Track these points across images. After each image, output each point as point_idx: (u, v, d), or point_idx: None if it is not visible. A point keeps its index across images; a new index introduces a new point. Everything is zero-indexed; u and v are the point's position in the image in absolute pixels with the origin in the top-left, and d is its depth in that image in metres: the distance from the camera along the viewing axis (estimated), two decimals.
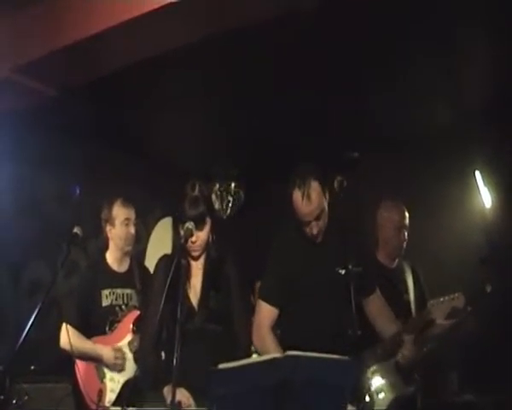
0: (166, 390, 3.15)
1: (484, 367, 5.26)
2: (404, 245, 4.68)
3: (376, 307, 3.86)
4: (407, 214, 4.72)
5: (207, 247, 3.52)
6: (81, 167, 6.16)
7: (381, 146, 6.08)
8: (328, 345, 3.13)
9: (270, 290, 3.77)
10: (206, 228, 3.46)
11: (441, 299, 3.59)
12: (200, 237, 3.44)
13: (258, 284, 5.56)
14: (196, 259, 3.53)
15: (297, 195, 3.59)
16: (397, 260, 4.71)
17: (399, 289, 4.54)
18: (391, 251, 4.66)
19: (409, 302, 4.53)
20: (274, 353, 3.37)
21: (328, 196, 3.67)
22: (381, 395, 3.76)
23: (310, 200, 3.55)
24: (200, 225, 3.40)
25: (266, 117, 5.88)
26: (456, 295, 3.61)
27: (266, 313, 3.75)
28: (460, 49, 4.88)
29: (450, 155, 6.05)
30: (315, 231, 3.63)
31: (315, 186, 3.57)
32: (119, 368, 4.17)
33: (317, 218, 3.61)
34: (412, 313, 4.45)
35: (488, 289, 3.86)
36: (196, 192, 3.45)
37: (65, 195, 6.07)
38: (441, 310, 3.58)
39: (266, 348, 3.64)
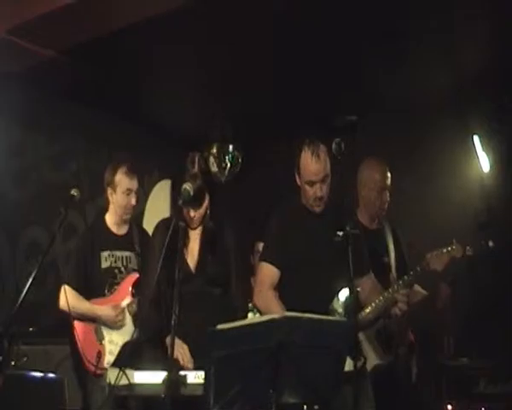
0: (168, 340, 3.16)
1: (480, 331, 5.31)
2: (386, 206, 4.58)
3: (368, 288, 3.83)
4: (389, 174, 4.60)
5: (205, 218, 3.56)
6: (77, 131, 6.14)
7: (378, 111, 6.05)
8: (326, 313, 3.17)
9: (272, 253, 3.81)
10: (205, 204, 3.49)
11: (440, 250, 3.61)
12: (199, 211, 3.48)
13: (257, 245, 5.61)
14: (194, 229, 3.57)
15: (306, 154, 3.67)
16: (377, 221, 4.61)
17: (378, 251, 4.43)
18: (371, 212, 4.55)
19: (388, 265, 4.47)
20: (277, 310, 3.47)
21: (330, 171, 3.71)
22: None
23: (319, 158, 3.62)
24: (199, 201, 3.44)
25: (263, 80, 5.84)
26: (454, 245, 3.64)
27: (268, 272, 3.79)
28: (459, 16, 4.84)
29: (448, 120, 6.03)
30: (319, 194, 3.66)
31: (322, 148, 3.66)
32: (120, 324, 4.18)
33: (323, 180, 3.65)
34: (392, 275, 4.40)
35: (491, 244, 3.87)
36: (195, 169, 3.45)
37: (61, 158, 6.06)
38: (440, 260, 3.60)
39: (269, 305, 3.68)
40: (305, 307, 3.21)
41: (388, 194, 4.58)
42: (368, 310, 3.78)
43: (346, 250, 3.25)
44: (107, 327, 4.19)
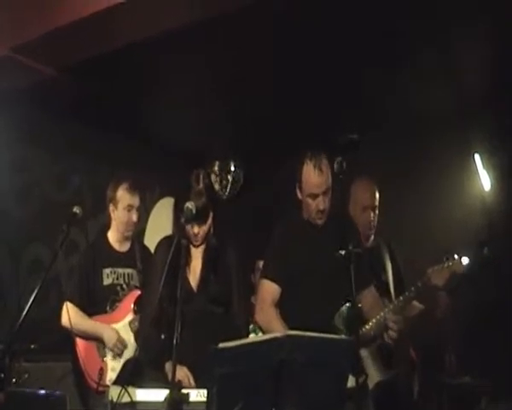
0: (168, 366, 3.17)
1: (481, 349, 5.30)
2: (373, 225, 4.55)
3: (369, 302, 3.83)
4: (377, 194, 4.60)
5: (208, 236, 3.56)
6: (80, 148, 6.17)
7: (379, 129, 6.08)
8: (327, 328, 3.18)
9: (274, 269, 3.81)
10: (209, 221, 3.49)
11: (440, 265, 3.60)
12: (203, 228, 3.48)
13: (258, 264, 5.61)
14: (197, 247, 3.57)
15: (309, 166, 3.70)
16: (372, 239, 4.60)
17: (376, 269, 4.43)
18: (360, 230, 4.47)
19: (387, 283, 4.49)
20: (278, 328, 3.50)
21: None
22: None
23: (322, 171, 3.66)
24: (203, 219, 3.43)
25: (265, 97, 5.87)
26: (456, 260, 3.62)
27: (269, 289, 3.78)
28: (460, 33, 4.87)
29: (449, 138, 6.05)
30: (321, 206, 3.69)
31: (325, 161, 3.69)
32: (118, 352, 4.17)
33: (325, 192, 3.68)
34: (391, 293, 4.42)
35: (486, 251, 3.87)
36: (201, 185, 3.46)
37: (64, 175, 6.08)
38: (441, 275, 3.59)
39: (270, 323, 3.68)
40: (307, 321, 3.24)
41: (373, 213, 4.55)
42: (369, 326, 3.78)
43: (348, 269, 3.26)
44: (108, 349, 4.19)
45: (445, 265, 3.65)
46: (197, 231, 3.45)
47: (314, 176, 3.67)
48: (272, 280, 3.78)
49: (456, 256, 3.71)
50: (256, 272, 6.21)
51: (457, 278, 3.70)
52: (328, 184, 3.69)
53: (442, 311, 4.94)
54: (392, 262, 4.59)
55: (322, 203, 3.69)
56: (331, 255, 3.53)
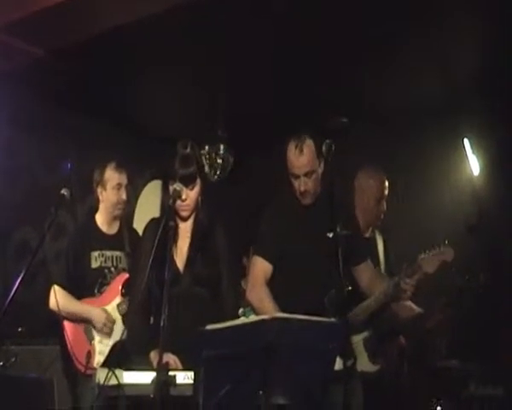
0: (153, 355, 3.15)
1: (470, 333, 5.33)
2: (382, 216, 4.58)
3: (367, 276, 3.85)
4: (387, 184, 4.62)
5: (196, 208, 3.47)
6: (68, 131, 6.13)
7: (368, 115, 6.07)
8: (317, 308, 3.20)
9: (265, 247, 3.81)
10: (197, 188, 3.40)
11: (431, 252, 3.57)
12: (190, 196, 3.38)
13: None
14: (185, 219, 3.47)
15: (291, 147, 3.70)
16: (370, 230, 4.60)
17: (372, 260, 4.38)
18: (368, 221, 4.51)
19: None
20: (269, 307, 3.54)
21: (322, 163, 3.70)
22: None
23: (302, 152, 3.65)
24: (190, 184, 3.35)
25: (254, 85, 5.85)
26: (446, 247, 3.59)
27: (261, 267, 3.78)
28: (450, 20, 4.86)
29: (438, 123, 6.06)
30: (302, 188, 3.68)
31: (309, 143, 3.67)
32: (107, 332, 4.17)
33: (307, 174, 3.67)
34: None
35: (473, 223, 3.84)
36: (188, 150, 3.40)
37: (52, 158, 6.05)
38: (431, 262, 3.56)
39: (262, 302, 3.69)
40: (297, 301, 3.25)
41: (385, 204, 4.59)
42: (366, 303, 3.78)
43: (336, 252, 3.25)
44: (96, 330, 4.18)
45: (435, 252, 3.60)
46: (184, 196, 3.35)
47: (294, 157, 3.68)
48: (264, 258, 3.78)
49: (445, 243, 3.66)
50: (250, 257, 6.23)
51: (447, 265, 3.66)
52: (310, 165, 3.67)
53: (432, 324, 4.94)
54: (385, 255, 4.60)
55: (303, 185, 3.68)
56: (320, 234, 3.55)
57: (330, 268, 3.45)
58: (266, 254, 3.78)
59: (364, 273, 3.85)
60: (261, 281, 3.76)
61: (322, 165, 3.71)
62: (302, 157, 3.66)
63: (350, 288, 3.38)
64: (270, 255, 3.77)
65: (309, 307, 3.14)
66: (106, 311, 4.20)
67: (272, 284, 3.77)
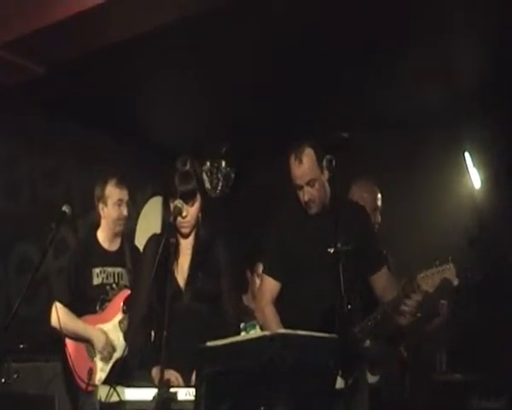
0: (155, 372, 3.14)
1: (472, 346, 5.31)
2: (376, 227, 4.53)
3: (382, 284, 3.77)
4: (380, 195, 4.61)
5: (197, 225, 3.47)
6: (69, 146, 6.15)
7: (369, 128, 6.08)
8: (327, 322, 3.21)
9: (271, 264, 3.85)
10: (197, 204, 3.39)
11: (431, 270, 3.47)
12: (191, 212, 3.36)
13: (258, 267, 5.68)
14: (186, 236, 3.47)
15: (291, 158, 3.72)
16: None
17: None
18: None
19: None
20: (274, 327, 3.58)
21: (326, 171, 3.70)
22: None
23: (301, 162, 3.66)
24: (190, 200, 3.34)
25: (256, 97, 5.87)
26: (448, 266, 3.47)
27: (268, 285, 3.83)
28: (451, 32, 4.88)
29: (439, 136, 6.07)
30: (306, 198, 3.69)
31: (308, 151, 3.68)
32: (106, 356, 4.15)
33: (309, 183, 3.67)
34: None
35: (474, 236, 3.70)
36: (187, 167, 3.40)
37: (53, 173, 6.07)
38: (431, 282, 3.45)
39: (267, 320, 3.75)
40: (305, 315, 3.31)
41: (378, 215, 4.56)
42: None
43: (337, 267, 3.25)
44: (97, 351, 4.17)
45: (436, 270, 3.48)
46: (185, 213, 3.33)
47: (295, 167, 3.69)
48: (271, 276, 3.82)
49: (447, 262, 3.57)
50: (255, 274, 6.23)
51: (448, 284, 3.59)
52: (311, 174, 3.67)
53: (432, 328, 4.91)
54: None
55: (306, 194, 3.68)
56: (324, 245, 3.53)
57: (336, 279, 3.46)
58: (273, 273, 3.81)
59: (378, 282, 3.78)
60: (267, 300, 3.79)
61: (326, 172, 3.71)
62: (302, 166, 3.66)
63: (349, 307, 3.36)
64: (277, 273, 3.80)
65: (319, 322, 3.19)
66: (106, 333, 4.18)
67: (282, 298, 3.80)
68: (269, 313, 3.76)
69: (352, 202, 3.91)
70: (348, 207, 3.77)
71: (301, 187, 3.70)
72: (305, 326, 2.73)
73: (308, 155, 3.67)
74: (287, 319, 3.63)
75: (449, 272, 3.46)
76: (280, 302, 3.79)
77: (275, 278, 3.80)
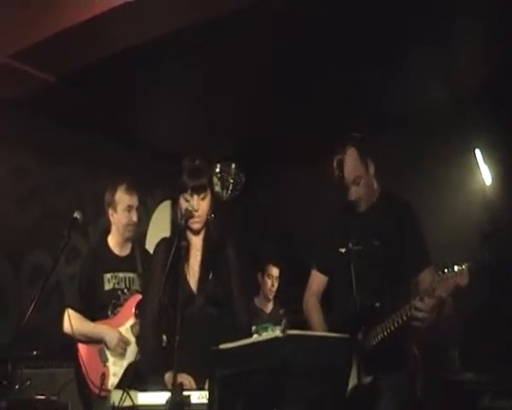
0: (168, 377, 3.14)
1: (484, 346, 5.28)
2: None
3: (427, 283, 3.58)
4: None
5: (207, 223, 3.46)
6: (80, 154, 6.17)
7: (379, 126, 6.06)
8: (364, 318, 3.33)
9: (320, 258, 3.94)
10: (207, 199, 3.39)
11: (446, 273, 3.35)
12: (202, 207, 3.36)
13: (269, 268, 6.07)
14: (197, 233, 3.46)
15: (335, 161, 3.73)
16: None
17: None
18: None
19: None
20: (316, 319, 3.80)
21: (372, 168, 3.76)
22: None
23: (345, 164, 3.68)
24: (202, 193, 3.35)
25: (266, 101, 5.86)
26: (462, 268, 3.35)
27: (315, 279, 3.94)
28: (458, 29, 4.86)
29: (450, 133, 6.05)
30: (353, 197, 3.72)
31: (350, 151, 3.73)
32: (120, 352, 4.16)
33: (355, 182, 3.70)
34: None
35: (487, 256, 3.64)
36: (197, 162, 3.39)
37: (63, 181, 6.09)
38: (445, 287, 3.36)
39: (310, 313, 3.89)
40: (351, 309, 3.28)
41: None
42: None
43: (349, 267, 3.24)
44: (110, 351, 4.18)
45: (450, 275, 3.36)
46: (196, 207, 3.32)
47: (340, 170, 3.70)
48: (319, 270, 3.91)
49: (460, 266, 3.49)
50: (266, 275, 6.25)
51: (462, 290, 3.53)
52: (356, 173, 3.70)
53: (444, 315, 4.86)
54: None
55: (354, 193, 3.71)
56: (369, 241, 3.61)
57: (382, 276, 3.54)
58: (320, 266, 3.91)
59: (424, 281, 3.66)
60: (312, 293, 3.92)
61: (371, 169, 3.76)
62: (345, 166, 3.68)
63: (378, 305, 3.39)
64: (322, 266, 3.90)
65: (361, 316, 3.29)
66: (119, 331, 4.20)
67: (330, 292, 3.89)
68: (312, 307, 3.88)
69: (401, 200, 3.88)
70: (394, 205, 3.79)
71: (347, 187, 3.72)
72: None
73: (351, 155, 3.71)
74: (335, 312, 3.73)
75: (462, 278, 3.36)
76: (331, 296, 3.89)
77: (319, 270, 3.90)
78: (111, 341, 4.15)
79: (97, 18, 4.26)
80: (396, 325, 3.47)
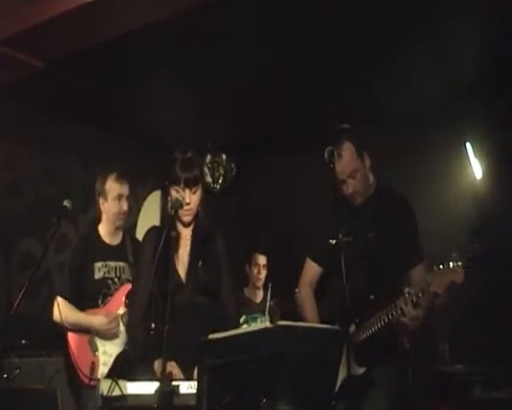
0: (157, 364, 3.14)
1: (474, 337, 5.31)
2: None
3: (417, 280, 3.63)
4: None
5: (197, 214, 3.46)
6: (70, 143, 6.15)
7: (371, 118, 6.06)
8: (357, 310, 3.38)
9: (314, 248, 3.96)
10: (199, 192, 3.38)
11: (441, 268, 3.35)
12: (193, 200, 3.35)
13: (256, 257, 5.83)
14: (187, 225, 3.46)
15: (328, 152, 3.66)
16: None
17: None
18: None
19: None
20: (309, 308, 3.85)
21: (368, 161, 3.78)
22: None
23: (341, 156, 3.70)
24: (194, 186, 3.34)
25: (258, 91, 5.85)
26: (457, 265, 3.35)
27: (308, 269, 3.97)
28: (450, 23, 4.86)
29: (440, 127, 6.05)
30: (350, 190, 3.73)
31: (347, 146, 3.74)
32: (114, 333, 4.16)
33: (351, 175, 3.72)
34: None
35: (477, 247, 3.64)
36: (189, 154, 3.38)
37: (54, 170, 6.07)
38: (440, 283, 3.35)
39: (303, 302, 3.92)
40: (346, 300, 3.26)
41: None
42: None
43: (339, 258, 3.24)
44: (101, 337, 4.17)
45: (445, 271, 3.36)
46: (188, 200, 3.32)
47: (337, 163, 3.67)
48: (313, 260, 3.93)
49: (456, 262, 3.47)
50: (252, 264, 6.26)
51: (457, 287, 3.52)
52: (352, 167, 3.71)
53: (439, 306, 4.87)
54: None
55: (350, 187, 3.73)
56: (365, 234, 3.65)
57: (376, 268, 3.57)
58: (316, 257, 3.92)
59: (414, 279, 3.68)
60: (305, 282, 3.95)
61: (367, 162, 3.78)
62: (342, 160, 3.70)
63: (372, 297, 3.41)
64: (317, 256, 3.91)
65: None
66: (107, 314, 4.18)
67: (324, 283, 3.90)
68: (305, 296, 3.92)
69: (397, 194, 3.88)
70: (390, 199, 3.81)
71: (344, 181, 3.73)
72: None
73: (347, 149, 3.73)
74: (330, 303, 3.76)
75: (457, 275, 3.36)
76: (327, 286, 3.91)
77: (316, 262, 3.93)
78: (100, 326, 4.14)
79: (86, 5, 4.23)
80: (389, 317, 3.49)
